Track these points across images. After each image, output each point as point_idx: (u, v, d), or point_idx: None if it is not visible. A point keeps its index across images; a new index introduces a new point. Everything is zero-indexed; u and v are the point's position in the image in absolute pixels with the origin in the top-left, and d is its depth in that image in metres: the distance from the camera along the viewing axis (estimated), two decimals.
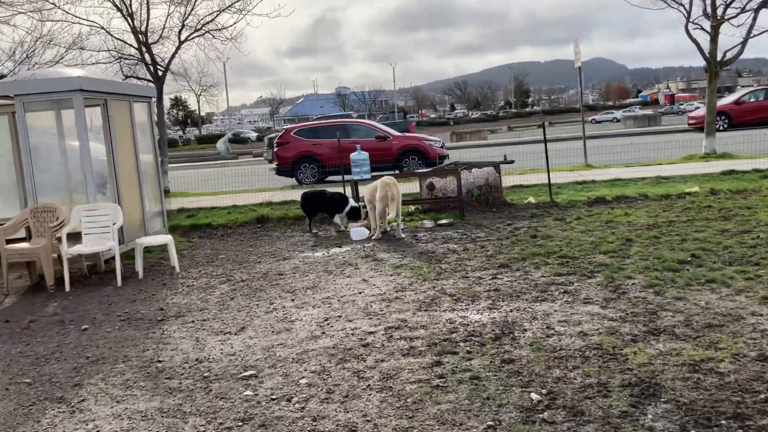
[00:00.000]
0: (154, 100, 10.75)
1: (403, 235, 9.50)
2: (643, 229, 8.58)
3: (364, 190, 10.04)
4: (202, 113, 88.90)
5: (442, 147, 19.09)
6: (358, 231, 9.69)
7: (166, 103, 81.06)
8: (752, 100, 27.97)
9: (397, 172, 18.30)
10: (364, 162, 10.61)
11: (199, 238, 10.90)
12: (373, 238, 9.54)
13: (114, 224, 8.29)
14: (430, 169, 11.36)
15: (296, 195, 13.97)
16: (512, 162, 11.56)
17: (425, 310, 5.93)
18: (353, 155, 10.69)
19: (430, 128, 70.82)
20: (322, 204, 10.37)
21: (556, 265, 7.14)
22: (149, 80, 17.70)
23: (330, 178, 18.24)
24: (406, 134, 20.51)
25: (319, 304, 6.46)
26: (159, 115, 18.06)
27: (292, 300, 6.69)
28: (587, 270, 6.83)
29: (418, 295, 6.46)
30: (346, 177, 12.27)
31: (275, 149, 19.43)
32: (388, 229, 9.87)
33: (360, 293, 6.72)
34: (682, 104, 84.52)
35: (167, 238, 8.65)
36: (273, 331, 5.70)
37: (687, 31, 16.25)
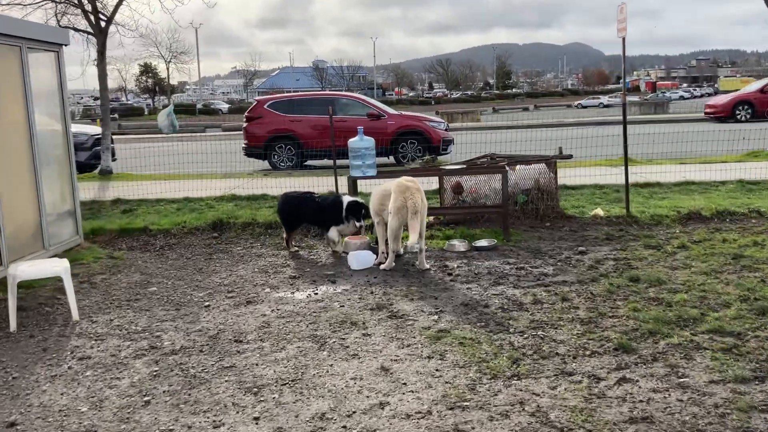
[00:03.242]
0: (64, 47, 7.42)
1: (427, 266, 6.35)
2: None
3: (371, 195, 6.84)
4: (174, 82, 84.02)
5: (446, 130, 15.88)
6: (359, 256, 6.49)
7: (135, 69, 76.80)
8: None
9: (391, 158, 15.18)
10: (369, 152, 7.26)
11: (129, 251, 7.65)
12: (382, 266, 6.39)
13: None
14: (459, 165, 8.14)
15: (268, 186, 10.73)
16: (570, 157, 8.43)
17: None
18: (352, 141, 7.35)
19: (411, 107, 67.35)
20: (308, 212, 7.09)
21: (720, 352, 4.11)
22: (90, 33, 14.21)
23: (310, 162, 15.01)
24: (404, 113, 17.26)
25: None
26: (101, 77, 14.58)
27: (255, 419, 3.57)
28: None
29: (496, 422, 3.39)
30: (339, 168, 9.06)
31: (244, 124, 16.03)
32: (402, 252, 6.75)
33: (382, 407, 3.63)
34: (665, 92, 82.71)
35: (59, 268, 5.39)
36: None
37: None
